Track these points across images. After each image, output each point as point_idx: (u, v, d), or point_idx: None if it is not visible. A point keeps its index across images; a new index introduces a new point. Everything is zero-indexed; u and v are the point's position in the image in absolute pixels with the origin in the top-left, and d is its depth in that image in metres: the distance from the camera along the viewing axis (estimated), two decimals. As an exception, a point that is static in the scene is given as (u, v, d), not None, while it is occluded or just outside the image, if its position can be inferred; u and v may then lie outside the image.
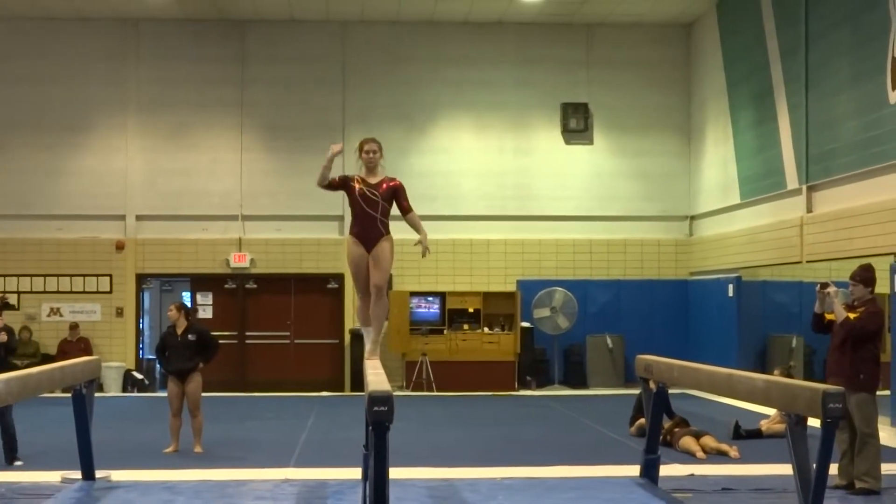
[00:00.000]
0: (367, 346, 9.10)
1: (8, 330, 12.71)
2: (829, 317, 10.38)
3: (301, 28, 23.30)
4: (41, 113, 22.92)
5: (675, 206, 23.86)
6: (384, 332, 22.02)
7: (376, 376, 7.68)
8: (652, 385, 10.11)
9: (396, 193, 9.12)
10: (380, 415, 6.31)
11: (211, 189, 23.21)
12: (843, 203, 16.84)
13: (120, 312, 22.94)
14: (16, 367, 11.34)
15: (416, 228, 9.17)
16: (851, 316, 10.14)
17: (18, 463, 12.06)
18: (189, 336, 13.36)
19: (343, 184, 9.15)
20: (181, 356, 13.28)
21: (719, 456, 12.61)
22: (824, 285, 10.31)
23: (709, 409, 17.10)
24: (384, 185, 9.08)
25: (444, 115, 23.53)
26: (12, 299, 22.55)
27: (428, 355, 21.88)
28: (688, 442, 12.88)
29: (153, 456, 12.82)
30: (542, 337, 22.77)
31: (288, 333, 23.33)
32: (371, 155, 9.13)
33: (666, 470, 10.78)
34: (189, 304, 19.82)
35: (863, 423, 9.93)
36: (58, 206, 22.85)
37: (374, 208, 8.99)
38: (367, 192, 9.00)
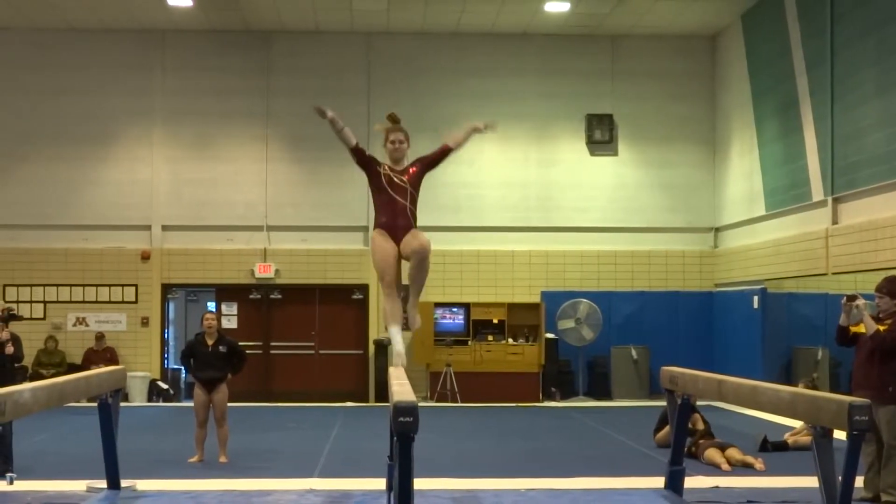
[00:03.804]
0: (404, 316, 8.50)
1: (15, 339, 12.67)
2: (854, 329, 10.33)
3: (326, 39, 23.36)
4: (67, 124, 23.04)
5: (699, 218, 23.80)
6: (408, 343, 22.01)
7: (401, 387, 7.68)
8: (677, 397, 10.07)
9: (424, 164, 8.56)
10: (405, 425, 6.30)
11: (236, 199, 23.28)
12: (869, 215, 16.77)
13: (145, 322, 23.02)
14: (24, 376, 11.28)
15: (465, 134, 8.75)
16: (881, 328, 10.07)
17: (11, 475, 11.57)
18: (220, 347, 13.39)
19: (367, 163, 8.46)
20: (212, 366, 13.31)
21: (744, 468, 12.58)
22: (852, 297, 10.21)
23: (734, 421, 17.06)
24: (411, 171, 8.46)
25: (468, 126, 23.50)
26: (38, 309, 22.67)
27: (452, 366, 21.88)
28: (713, 454, 12.85)
29: (178, 465, 12.87)
30: (567, 348, 22.74)
31: (312, 344, 23.35)
32: (397, 145, 8.54)
33: (691, 482, 10.73)
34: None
35: (890, 436, 9.87)
36: (83, 217, 22.96)
37: (403, 195, 8.35)
38: (395, 177, 8.37)
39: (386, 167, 8.43)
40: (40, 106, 23.04)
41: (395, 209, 8.31)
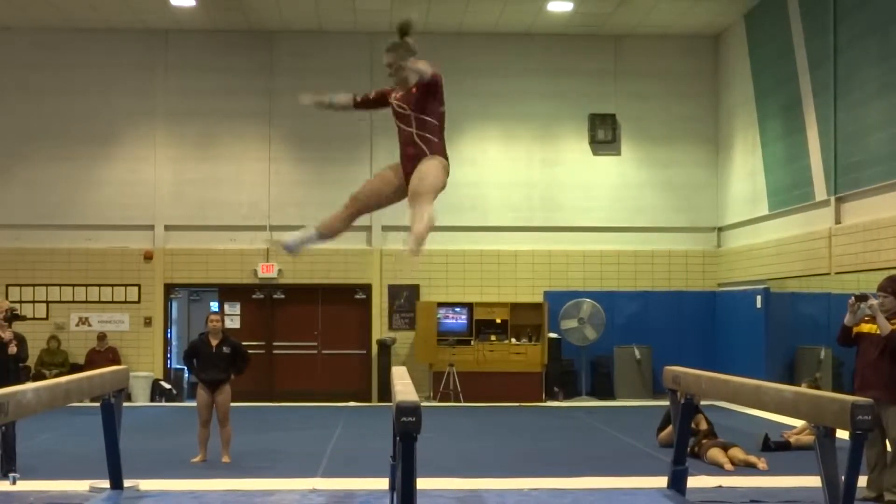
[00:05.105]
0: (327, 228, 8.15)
1: (20, 339, 12.67)
2: (856, 329, 10.29)
3: (329, 39, 23.35)
4: (70, 123, 23.04)
5: (702, 218, 23.79)
6: (411, 343, 22.07)
7: (404, 387, 7.70)
8: (680, 397, 10.07)
9: (429, 91, 7.37)
10: (407, 425, 6.31)
11: (239, 199, 23.27)
12: (872, 214, 16.76)
13: (148, 322, 23.03)
14: (27, 376, 11.26)
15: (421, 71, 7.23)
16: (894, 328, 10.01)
17: (14, 475, 11.51)
18: (224, 348, 13.37)
19: (381, 99, 7.63)
20: (216, 367, 13.29)
21: (747, 468, 12.56)
22: (862, 297, 10.09)
23: (737, 420, 17.04)
24: (413, 91, 7.39)
25: (471, 127, 23.52)
26: (41, 309, 22.68)
27: (455, 366, 21.85)
28: (716, 453, 12.84)
29: (181, 465, 12.87)
30: (570, 348, 22.72)
31: (315, 344, 23.35)
32: (390, 71, 7.46)
33: (694, 482, 10.74)
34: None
35: (897, 435, 9.85)
36: (86, 217, 22.96)
37: (407, 122, 7.38)
38: (396, 105, 7.44)
39: (394, 96, 7.52)
40: (43, 106, 23.04)
41: (401, 139, 7.48)
